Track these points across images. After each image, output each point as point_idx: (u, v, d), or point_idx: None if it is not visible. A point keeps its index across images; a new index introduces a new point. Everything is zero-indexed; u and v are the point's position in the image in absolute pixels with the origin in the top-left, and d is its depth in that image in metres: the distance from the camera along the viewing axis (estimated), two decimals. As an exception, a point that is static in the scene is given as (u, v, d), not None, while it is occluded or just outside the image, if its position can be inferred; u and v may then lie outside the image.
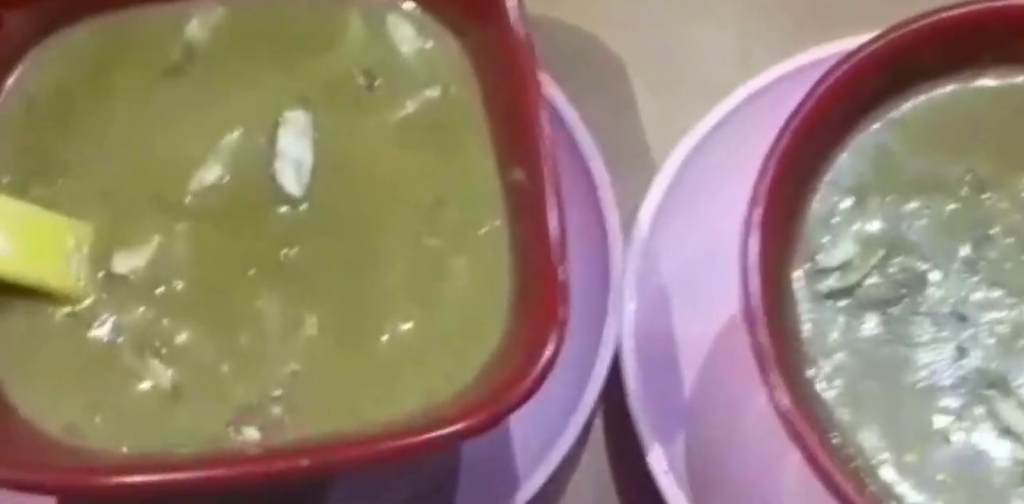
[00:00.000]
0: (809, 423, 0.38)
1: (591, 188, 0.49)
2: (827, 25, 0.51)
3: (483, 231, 0.43)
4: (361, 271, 0.43)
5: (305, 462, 0.38)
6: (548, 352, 0.39)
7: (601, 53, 0.56)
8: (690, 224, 0.49)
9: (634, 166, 0.53)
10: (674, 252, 0.49)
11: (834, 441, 0.40)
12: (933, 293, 0.42)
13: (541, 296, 0.40)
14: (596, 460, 0.50)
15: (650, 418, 0.46)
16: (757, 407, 0.45)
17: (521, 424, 0.46)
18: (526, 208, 0.42)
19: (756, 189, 0.40)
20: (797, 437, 0.38)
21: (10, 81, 0.45)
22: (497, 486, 0.46)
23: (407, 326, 0.42)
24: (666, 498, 0.45)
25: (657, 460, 0.45)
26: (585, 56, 0.56)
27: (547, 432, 0.46)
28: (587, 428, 0.48)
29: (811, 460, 0.38)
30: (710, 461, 0.46)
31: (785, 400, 0.38)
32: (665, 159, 0.50)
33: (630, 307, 0.47)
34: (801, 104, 0.41)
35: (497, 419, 0.38)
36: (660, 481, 0.45)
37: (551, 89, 0.49)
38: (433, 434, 0.38)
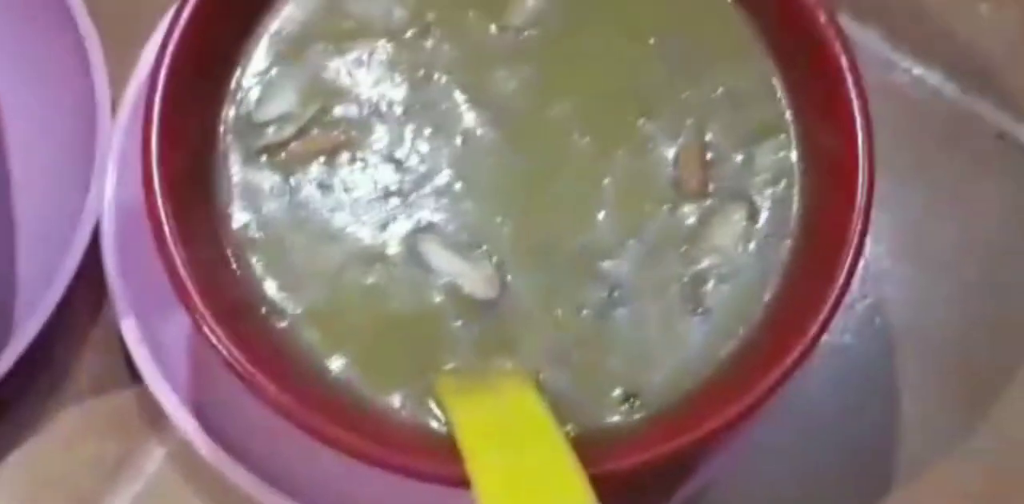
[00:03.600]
0: (198, 284, 0.37)
1: (86, 64, 0.46)
2: None
3: None
4: None
5: None
6: None
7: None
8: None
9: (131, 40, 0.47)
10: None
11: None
12: (370, 140, 0.40)
13: None
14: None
15: (126, 290, 0.44)
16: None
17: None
18: None
19: (164, 42, 0.39)
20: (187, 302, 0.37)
21: None
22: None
23: None
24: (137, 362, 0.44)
25: (130, 329, 0.44)
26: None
27: (34, 292, 0.45)
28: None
29: (197, 326, 0.36)
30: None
31: (179, 268, 0.37)
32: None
33: (111, 181, 0.45)
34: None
35: None
36: (132, 350, 0.44)
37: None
38: None
